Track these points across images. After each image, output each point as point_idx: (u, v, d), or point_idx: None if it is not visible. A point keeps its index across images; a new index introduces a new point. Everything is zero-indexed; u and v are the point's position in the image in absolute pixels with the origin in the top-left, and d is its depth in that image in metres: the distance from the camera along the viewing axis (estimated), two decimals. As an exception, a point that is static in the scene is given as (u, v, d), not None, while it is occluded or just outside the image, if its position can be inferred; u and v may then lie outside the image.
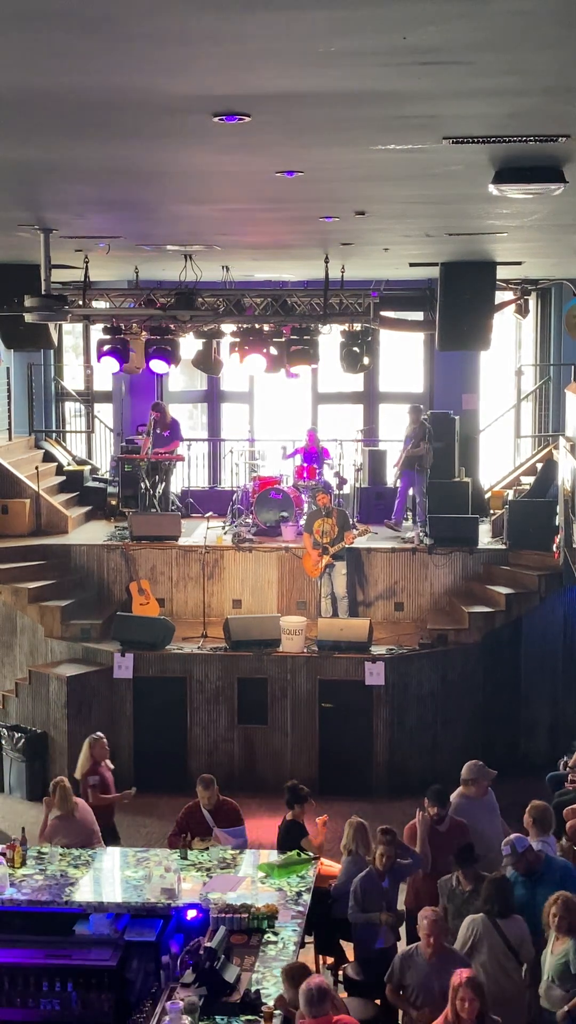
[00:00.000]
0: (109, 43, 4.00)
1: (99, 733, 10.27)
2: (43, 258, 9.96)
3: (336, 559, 13.66)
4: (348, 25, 3.80)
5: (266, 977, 7.06)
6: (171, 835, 9.21)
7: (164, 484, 15.96)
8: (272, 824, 9.53)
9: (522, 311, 15.83)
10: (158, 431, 15.90)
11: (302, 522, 14.36)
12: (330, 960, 8.70)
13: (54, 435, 18.38)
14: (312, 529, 13.69)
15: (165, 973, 7.29)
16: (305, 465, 15.81)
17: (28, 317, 10.49)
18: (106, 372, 15.94)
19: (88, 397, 19.04)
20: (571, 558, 12.42)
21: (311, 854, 8.70)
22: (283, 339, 14.04)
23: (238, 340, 13.89)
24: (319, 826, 8.87)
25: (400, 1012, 7.39)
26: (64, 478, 16.80)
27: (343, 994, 7.62)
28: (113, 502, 16.35)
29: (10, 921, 8.03)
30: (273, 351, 14.06)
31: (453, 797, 8.96)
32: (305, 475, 15.71)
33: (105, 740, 10.15)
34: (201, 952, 7.02)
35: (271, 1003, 6.70)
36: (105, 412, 19.29)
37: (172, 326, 13.77)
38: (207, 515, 15.00)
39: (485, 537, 14.96)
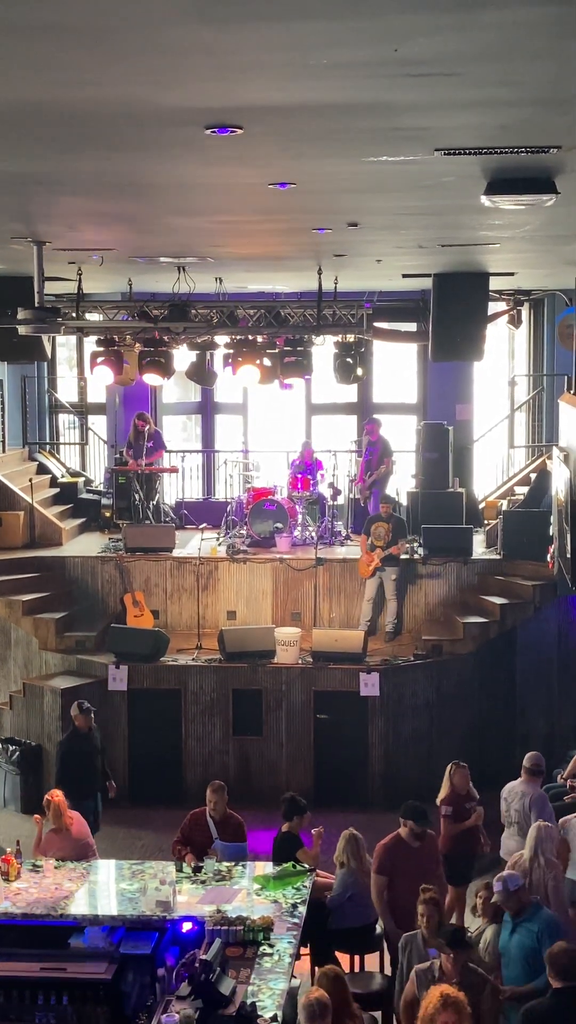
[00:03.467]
0: (101, 55, 4.00)
1: (463, 763, 9.58)
2: (36, 270, 9.95)
3: (389, 563, 13.84)
4: (340, 37, 3.81)
5: (262, 989, 7.04)
6: (175, 841, 9.23)
7: (158, 496, 15.95)
8: (268, 836, 9.51)
9: (515, 322, 15.87)
10: (141, 443, 15.96)
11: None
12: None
13: (48, 447, 18.37)
14: (369, 531, 13.99)
15: (160, 986, 7.27)
16: (299, 476, 15.83)
17: (22, 329, 10.49)
18: (100, 384, 15.97)
19: (82, 409, 19.02)
20: (565, 568, 12.41)
21: (307, 866, 8.68)
22: (276, 350, 14.04)
23: (231, 352, 13.88)
24: (314, 838, 8.84)
25: None
26: (58, 490, 16.80)
27: None
28: (107, 514, 16.35)
29: (5, 934, 8.00)
30: (267, 362, 14.04)
31: (518, 785, 8.89)
32: (299, 486, 15.72)
33: (466, 767, 9.50)
34: (197, 965, 6.99)
35: (267, 1016, 6.67)
36: (99, 424, 19.27)
37: (166, 338, 13.76)
38: (201, 527, 14.98)
39: (479, 547, 14.95)
